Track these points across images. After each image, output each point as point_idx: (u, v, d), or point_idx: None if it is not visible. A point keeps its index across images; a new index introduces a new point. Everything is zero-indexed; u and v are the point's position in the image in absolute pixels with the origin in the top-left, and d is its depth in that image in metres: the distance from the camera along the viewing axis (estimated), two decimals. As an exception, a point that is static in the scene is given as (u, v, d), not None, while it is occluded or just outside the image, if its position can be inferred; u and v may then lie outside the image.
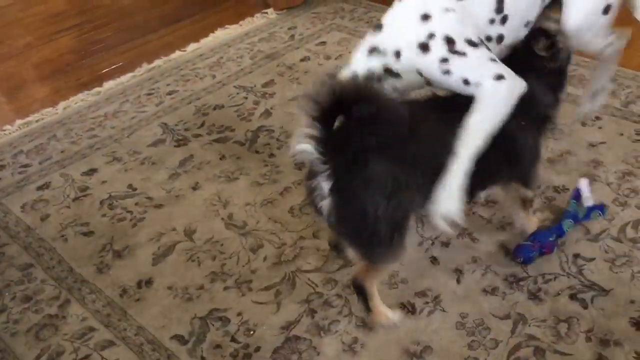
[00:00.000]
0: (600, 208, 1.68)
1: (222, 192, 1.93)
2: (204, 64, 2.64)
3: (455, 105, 1.44)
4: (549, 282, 1.54)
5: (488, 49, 1.48)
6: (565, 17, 1.55)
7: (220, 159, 2.07)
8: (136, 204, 1.92)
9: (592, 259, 1.58)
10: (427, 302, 1.52)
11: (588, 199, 1.67)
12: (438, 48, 1.43)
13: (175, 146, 2.16)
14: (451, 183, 1.39)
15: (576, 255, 1.60)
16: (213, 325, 1.52)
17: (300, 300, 1.56)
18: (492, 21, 1.51)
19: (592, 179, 1.82)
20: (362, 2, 3.00)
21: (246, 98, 2.38)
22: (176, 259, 1.72)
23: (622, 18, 1.75)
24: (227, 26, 2.92)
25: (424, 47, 1.44)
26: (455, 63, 1.43)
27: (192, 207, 1.89)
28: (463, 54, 1.43)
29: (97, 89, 2.54)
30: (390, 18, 1.51)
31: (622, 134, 1.99)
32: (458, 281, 1.57)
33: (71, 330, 1.55)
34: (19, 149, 2.24)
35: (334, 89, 1.24)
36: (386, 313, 1.48)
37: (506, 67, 1.44)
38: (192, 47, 2.79)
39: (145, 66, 2.67)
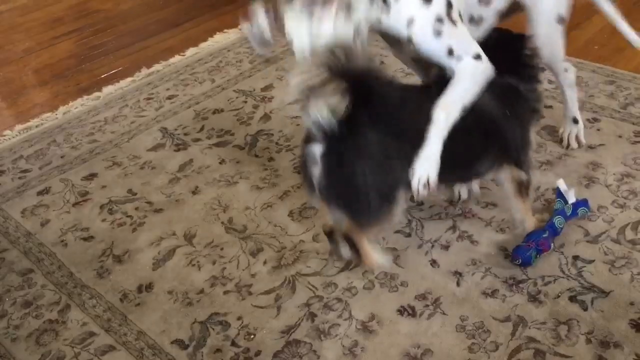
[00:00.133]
0: (584, 204, 1.69)
1: (222, 196, 1.93)
2: (203, 68, 2.65)
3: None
4: (548, 285, 1.54)
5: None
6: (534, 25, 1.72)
7: (220, 163, 2.08)
8: (136, 208, 1.93)
9: (592, 261, 1.58)
10: (427, 305, 1.53)
11: (570, 196, 1.68)
12: (439, 5, 1.44)
13: (174, 150, 2.16)
14: (429, 148, 1.45)
15: (575, 257, 1.60)
16: (213, 329, 1.53)
17: (300, 304, 1.56)
18: (480, 1, 1.57)
19: (591, 181, 1.83)
20: (361, 6, 3.01)
21: (245, 102, 2.38)
22: (176, 263, 1.72)
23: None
24: (226, 30, 2.93)
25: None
26: (447, 28, 1.46)
27: (192, 211, 1.89)
28: (454, 23, 1.47)
29: (97, 93, 2.55)
30: None
31: (620, 136, 1.99)
32: (458, 284, 1.57)
33: (71, 335, 1.56)
34: (19, 154, 2.24)
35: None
36: (375, 257, 1.55)
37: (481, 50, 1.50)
38: (191, 51, 2.79)
39: (145, 71, 2.68)
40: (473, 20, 1.60)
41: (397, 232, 1.74)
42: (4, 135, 2.35)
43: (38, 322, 1.60)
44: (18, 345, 1.54)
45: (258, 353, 1.46)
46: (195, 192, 1.96)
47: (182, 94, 2.49)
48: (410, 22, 1.46)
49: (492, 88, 1.51)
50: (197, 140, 2.20)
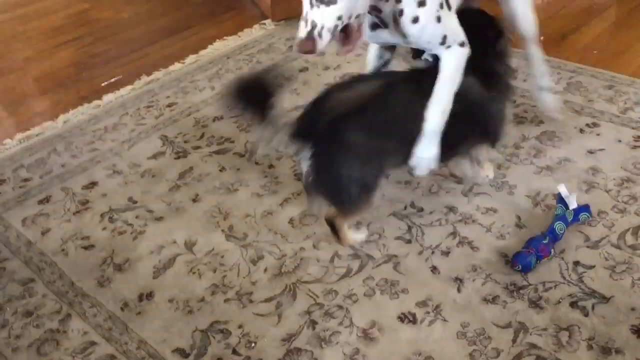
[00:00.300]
0: (585, 209, 1.69)
1: (222, 204, 1.93)
2: (203, 76, 2.65)
3: (425, 79, 1.60)
4: (549, 290, 1.54)
5: None
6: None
7: (220, 170, 2.08)
8: (136, 216, 1.93)
9: (592, 267, 1.58)
10: (427, 312, 1.52)
11: (571, 202, 1.68)
12: None
13: (175, 158, 2.17)
14: (428, 143, 1.62)
15: (576, 263, 1.60)
16: (214, 337, 1.53)
17: (301, 312, 1.56)
18: None
19: (591, 186, 1.83)
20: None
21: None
22: (177, 271, 1.72)
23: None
24: (225, 38, 2.94)
25: None
26: (445, 14, 1.54)
27: (193, 219, 1.89)
28: (450, 8, 1.56)
29: (97, 102, 2.55)
30: None
31: (620, 141, 1.99)
32: (459, 290, 1.57)
33: (72, 344, 1.55)
34: (20, 163, 2.24)
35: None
36: (351, 236, 1.73)
37: None
38: (191, 59, 2.80)
39: (145, 79, 2.68)
40: (447, 5, 1.61)
41: (398, 238, 1.74)
42: (5, 144, 2.36)
43: (39, 331, 1.60)
44: (19, 355, 1.54)
45: (259, 361, 1.46)
46: (195, 200, 1.97)
47: (182, 102, 2.49)
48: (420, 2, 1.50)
49: (474, 71, 1.61)
50: (197, 148, 2.21)
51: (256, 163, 2.09)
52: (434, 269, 1.64)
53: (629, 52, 2.49)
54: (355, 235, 1.75)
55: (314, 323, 1.53)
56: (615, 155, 1.94)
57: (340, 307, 1.57)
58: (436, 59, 1.61)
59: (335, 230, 1.71)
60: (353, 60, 2.51)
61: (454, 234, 1.73)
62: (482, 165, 1.84)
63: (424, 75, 1.61)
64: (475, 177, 1.87)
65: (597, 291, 1.52)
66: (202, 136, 2.27)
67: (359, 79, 1.75)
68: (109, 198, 2.02)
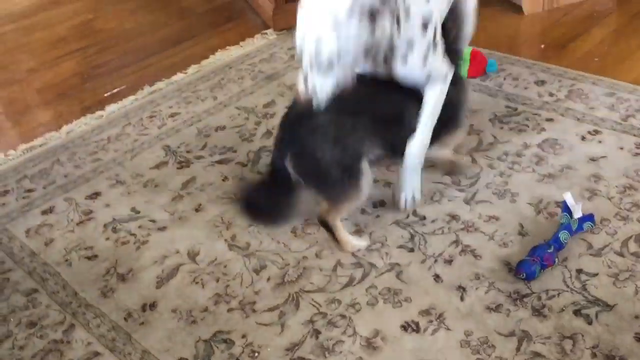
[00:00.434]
0: (589, 219, 1.69)
1: (225, 214, 1.93)
2: (205, 86, 2.67)
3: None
4: (552, 298, 1.54)
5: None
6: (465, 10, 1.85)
7: (223, 180, 2.09)
8: (139, 226, 1.93)
9: (596, 274, 1.58)
10: (431, 321, 1.52)
11: (576, 211, 1.68)
12: (432, 30, 1.60)
13: (177, 168, 2.17)
14: (411, 177, 1.79)
15: (579, 271, 1.60)
16: (217, 347, 1.53)
17: (304, 321, 1.56)
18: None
19: (593, 194, 1.83)
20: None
21: (247, 119, 2.39)
22: (180, 281, 1.73)
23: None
24: (227, 48, 2.95)
25: (425, 27, 1.58)
26: (432, 57, 1.63)
27: (195, 229, 1.90)
28: (435, 50, 1.64)
29: (100, 112, 2.56)
30: None
31: (622, 148, 1.99)
32: (462, 298, 1.57)
33: (76, 355, 1.56)
34: (23, 174, 2.25)
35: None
36: (352, 242, 1.73)
37: None
38: (193, 69, 2.81)
39: (147, 89, 2.69)
40: None
41: (400, 247, 1.74)
42: (8, 155, 2.37)
43: (43, 342, 1.60)
44: (23, 366, 1.55)
45: (262, 371, 1.46)
46: (198, 209, 1.97)
47: (184, 112, 2.50)
48: (410, 46, 1.58)
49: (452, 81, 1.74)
50: (200, 157, 2.21)
51: (258, 172, 2.10)
52: (437, 278, 1.64)
53: (630, 60, 2.49)
54: (356, 242, 1.75)
55: (317, 332, 1.53)
56: (618, 162, 1.94)
57: (343, 316, 1.57)
58: None
59: (330, 231, 1.72)
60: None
61: (456, 242, 1.74)
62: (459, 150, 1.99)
63: None
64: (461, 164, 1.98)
65: (601, 299, 1.52)
66: (204, 146, 2.27)
67: None
68: (112, 208, 2.03)
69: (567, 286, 1.56)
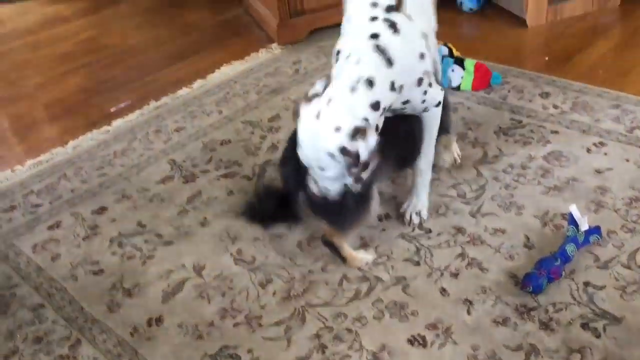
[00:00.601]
0: (596, 231, 1.69)
1: (231, 228, 1.94)
2: (211, 100, 2.68)
3: None
4: (560, 312, 1.53)
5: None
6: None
7: (228, 194, 2.09)
8: (145, 241, 1.94)
9: (603, 287, 1.57)
10: (437, 335, 1.52)
11: (583, 223, 1.67)
12: (429, 62, 1.66)
13: (183, 182, 2.18)
14: (420, 196, 1.86)
15: (586, 284, 1.59)
16: (224, 362, 1.52)
17: (310, 335, 1.56)
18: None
19: (599, 206, 1.82)
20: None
21: (253, 133, 2.40)
22: (186, 296, 1.73)
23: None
24: (232, 62, 2.97)
25: (420, 82, 1.63)
26: (429, 89, 1.68)
27: (201, 243, 1.90)
28: (432, 83, 1.69)
29: (106, 127, 2.58)
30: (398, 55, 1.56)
31: (628, 160, 1.99)
32: (468, 312, 1.56)
33: (82, 370, 1.56)
34: (30, 189, 2.26)
35: None
36: (358, 257, 1.74)
37: None
38: (198, 83, 2.83)
39: (153, 104, 2.71)
40: None
41: (406, 260, 1.74)
42: (15, 171, 2.38)
43: (49, 358, 1.60)
44: (29, 382, 1.54)
45: (269, 386, 1.45)
46: (204, 224, 1.97)
47: (190, 126, 2.51)
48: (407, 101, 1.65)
49: None
50: (206, 171, 2.22)
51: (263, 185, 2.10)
52: (443, 291, 1.63)
53: (635, 72, 2.50)
54: (364, 256, 1.75)
55: (323, 347, 1.53)
56: (623, 174, 1.93)
57: (349, 330, 1.56)
58: None
59: (335, 250, 1.73)
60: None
61: (462, 255, 1.73)
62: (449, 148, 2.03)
63: None
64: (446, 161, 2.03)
65: (608, 312, 1.51)
66: (210, 160, 2.28)
67: None
68: (118, 223, 2.03)
69: (575, 299, 1.55)
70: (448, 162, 2.04)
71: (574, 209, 1.70)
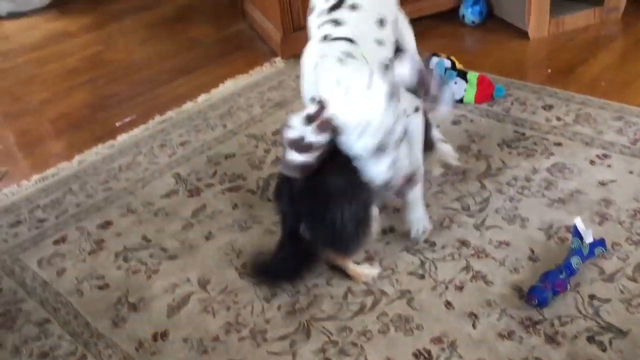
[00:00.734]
0: (601, 244, 1.69)
1: (235, 242, 1.94)
2: (215, 114, 2.69)
3: None
4: (565, 325, 1.52)
5: None
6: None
7: (233, 208, 2.10)
8: (150, 255, 1.94)
9: (608, 300, 1.57)
10: (443, 349, 1.51)
11: (587, 236, 1.67)
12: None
13: (188, 196, 2.19)
14: (417, 208, 1.83)
15: (592, 297, 1.59)
16: (229, 377, 1.52)
17: (315, 350, 1.56)
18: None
19: (604, 218, 1.82)
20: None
21: (257, 146, 2.41)
22: (191, 310, 1.73)
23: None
24: (236, 76, 2.98)
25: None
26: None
27: (206, 257, 1.90)
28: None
29: (111, 142, 2.59)
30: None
31: (631, 172, 1.99)
32: (474, 326, 1.56)
33: (88, 386, 1.56)
34: (36, 204, 2.28)
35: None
36: (364, 272, 1.74)
37: None
38: (202, 97, 2.84)
39: (158, 118, 2.72)
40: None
41: (411, 273, 1.74)
42: (21, 186, 2.39)
43: (54, 373, 1.60)
44: (35, 397, 1.55)
45: (274, 401, 1.45)
46: (208, 237, 1.98)
47: (194, 140, 2.53)
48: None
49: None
50: (210, 185, 2.23)
51: (269, 200, 2.11)
52: (448, 304, 1.63)
53: (637, 83, 2.50)
54: (368, 271, 1.75)
55: (328, 361, 1.53)
56: (627, 186, 1.93)
57: (354, 344, 1.56)
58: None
59: (340, 271, 1.74)
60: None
61: (467, 268, 1.73)
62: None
63: None
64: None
65: (614, 325, 1.51)
66: (214, 174, 2.29)
67: None
68: (123, 237, 2.04)
69: (580, 312, 1.55)
70: (438, 171, 2.06)
71: (578, 222, 1.70)
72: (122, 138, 2.61)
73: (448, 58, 2.52)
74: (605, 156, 2.08)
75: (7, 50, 3.70)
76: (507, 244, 1.79)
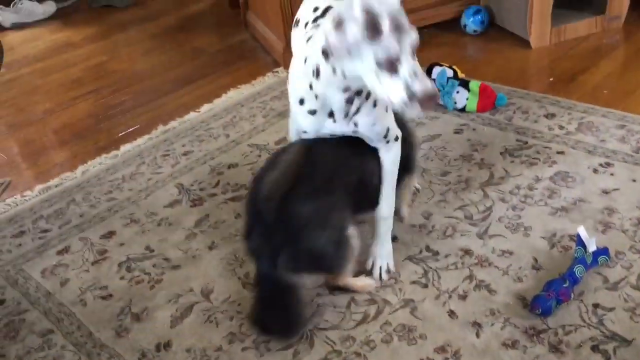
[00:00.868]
0: (604, 252, 1.68)
1: (239, 251, 1.94)
2: (218, 124, 2.70)
3: (336, 138, 1.64)
4: (569, 334, 1.52)
5: None
6: None
7: (236, 217, 2.10)
8: (154, 265, 1.94)
9: (612, 309, 1.57)
10: (447, 358, 1.51)
11: (591, 244, 1.67)
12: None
13: (191, 206, 2.19)
14: (383, 244, 1.78)
15: (596, 305, 1.58)
16: (232, 387, 1.52)
17: (318, 359, 1.55)
18: None
19: (607, 227, 1.82)
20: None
21: (260, 156, 2.42)
22: (194, 320, 1.73)
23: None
24: (239, 86, 3.00)
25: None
26: (387, 114, 1.63)
27: (209, 267, 1.91)
28: (387, 108, 1.63)
29: (115, 152, 2.60)
30: None
31: (634, 180, 1.99)
32: (477, 335, 1.56)
33: (91, 396, 1.55)
34: (39, 214, 2.28)
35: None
36: (365, 283, 1.73)
37: None
38: (205, 107, 2.86)
39: (161, 128, 2.73)
40: None
41: (414, 283, 1.74)
42: (25, 196, 2.40)
43: (58, 383, 1.60)
44: (38, 408, 1.54)
45: (277, 411, 1.44)
46: (211, 247, 1.98)
47: (197, 150, 2.53)
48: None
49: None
50: (213, 195, 2.23)
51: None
52: (451, 314, 1.63)
53: (639, 91, 2.51)
54: (367, 281, 1.75)
55: (332, 371, 1.52)
56: (630, 194, 1.93)
57: (358, 354, 1.56)
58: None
59: (343, 289, 1.73)
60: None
61: (470, 277, 1.73)
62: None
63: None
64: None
65: (618, 334, 1.50)
66: (217, 183, 2.30)
67: (279, 152, 1.75)
68: (126, 247, 2.04)
69: (584, 321, 1.55)
70: (406, 214, 1.95)
71: (581, 230, 1.70)
72: (125, 148, 2.62)
73: (450, 67, 2.53)
74: (608, 164, 2.08)
75: (11, 61, 3.72)
76: (511, 252, 1.79)
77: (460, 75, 2.53)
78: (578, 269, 1.62)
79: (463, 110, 2.48)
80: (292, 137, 1.77)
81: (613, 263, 1.69)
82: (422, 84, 1.32)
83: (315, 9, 1.68)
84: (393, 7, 1.33)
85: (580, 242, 1.68)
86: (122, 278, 1.92)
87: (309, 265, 1.60)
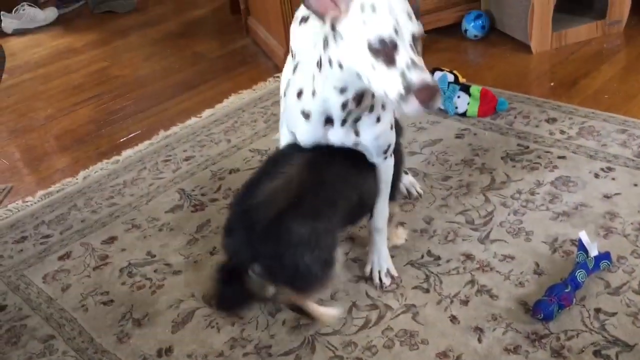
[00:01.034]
0: (606, 257, 1.68)
1: (240, 257, 1.94)
2: (219, 129, 2.71)
3: (338, 152, 1.57)
4: (572, 339, 1.52)
5: None
6: None
7: (237, 223, 2.10)
8: (155, 271, 1.94)
9: (614, 314, 1.56)
10: (448, 363, 1.51)
11: (592, 249, 1.67)
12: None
13: (192, 211, 2.19)
14: (380, 253, 1.76)
15: (598, 310, 1.58)
16: (234, 393, 1.52)
17: (320, 365, 1.55)
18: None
19: (609, 231, 1.82)
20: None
21: (261, 161, 2.42)
22: (195, 325, 1.73)
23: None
24: (240, 91, 3.00)
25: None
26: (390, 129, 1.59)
27: (211, 272, 1.90)
28: (392, 126, 1.60)
29: (116, 157, 2.61)
30: None
31: (636, 185, 1.99)
32: (479, 340, 1.55)
33: (92, 402, 1.55)
34: (41, 220, 2.28)
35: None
36: (327, 313, 1.63)
37: None
38: (207, 113, 2.86)
39: (162, 133, 2.74)
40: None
41: (415, 288, 1.74)
42: (26, 202, 2.40)
43: (59, 389, 1.60)
44: (39, 414, 1.54)
45: (279, 417, 1.44)
46: (213, 252, 1.98)
47: (198, 155, 2.54)
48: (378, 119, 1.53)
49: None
50: (214, 200, 2.23)
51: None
52: (453, 319, 1.62)
53: (640, 96, 2.51)
54: (331, 312, 1.65)
55: (333, 376, 1.52)
56: (632, 199, 1.93)
57: (359, 359, 1.55)
58: None
59: (304, 313, 1.63)
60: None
61: (472, 282, 1.73)
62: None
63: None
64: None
65: (620, 339, 1.50)
66: (219, 189, 2.30)
67: (280, 158, 1.67)
68: (128, 252, 2.04)
69: (586, 326, 1.54)
70: (401, 240, 1.89)
71: (583, 235, 1.69)
72: (126, 153, 2.62)
73: (451, 72, 2.54)
74: (610, 169, 2.08)
75: (13, 66, 3.74)
76: (512, 257, 1.79)
77: (461, 80, 2.54)
78: (580, 274, 1.62)
79: (464, 115, 2.48)
80: (284, 141, 1.68)
81: (615, 268, 1.69)
82: (420, 74, 1.21)
83: None
84: None
85: (582, 247, 1.68)
86: (123, 283, 1.91)
87: (286, 279, 1.52)
